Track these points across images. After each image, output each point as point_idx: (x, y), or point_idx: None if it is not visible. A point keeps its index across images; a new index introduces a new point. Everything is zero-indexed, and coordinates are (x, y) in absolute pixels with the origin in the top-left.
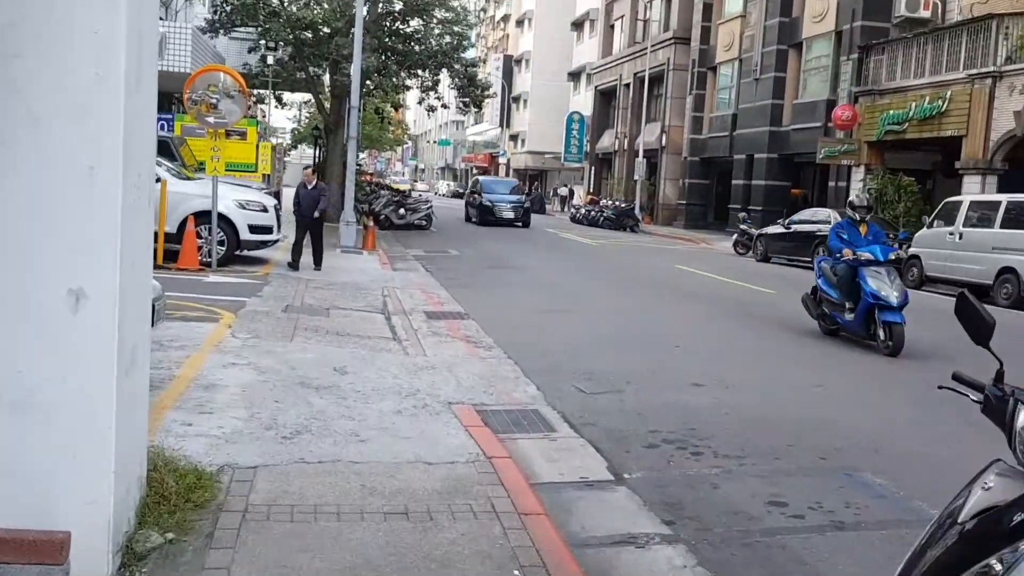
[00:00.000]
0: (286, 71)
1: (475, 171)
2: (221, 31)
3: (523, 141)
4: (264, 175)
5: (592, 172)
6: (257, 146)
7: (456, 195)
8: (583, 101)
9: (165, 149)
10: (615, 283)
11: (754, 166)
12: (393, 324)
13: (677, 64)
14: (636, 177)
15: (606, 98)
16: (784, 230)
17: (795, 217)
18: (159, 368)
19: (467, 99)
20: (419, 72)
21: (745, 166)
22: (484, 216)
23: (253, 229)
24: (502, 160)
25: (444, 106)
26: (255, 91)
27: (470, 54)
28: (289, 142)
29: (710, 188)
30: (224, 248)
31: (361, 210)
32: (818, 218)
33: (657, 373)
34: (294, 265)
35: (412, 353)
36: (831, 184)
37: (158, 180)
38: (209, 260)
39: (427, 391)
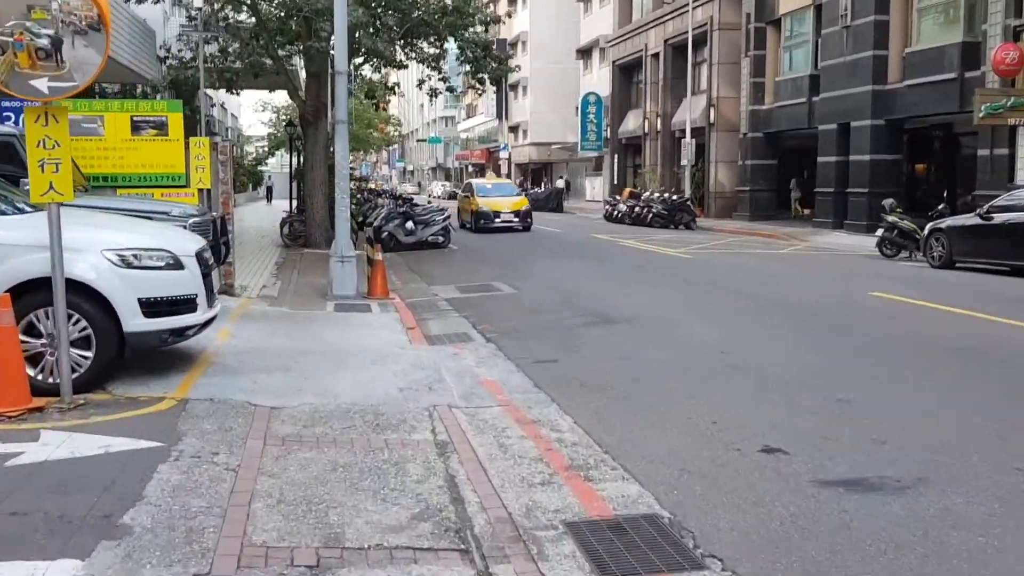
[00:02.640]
0: (249, 55)
1: (471, 169)
2: None
3: (524, 132)
4: (203, 191)
5: (615, 161)
6: (187, 144)
7: (453, 196)
8: (596, 80)
9: (10, 154)
10: (836, 347)
11: (851, 137)
12: None
13: (724, 23)
14: (684, 162)
15: (627, 74)
16: (981, 221)
17: (997, 202)
18: None
19: (482, 76)
20: (418, 43)
21: (837, 138)
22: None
23: (153, 307)
24: (503, 154)
25: (450, 89)
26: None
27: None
28: (265, 149)
29: (775, 169)
30: (91, 357)
31: (353, 227)
32: None
33: None
34: None
35: None
36: (982, 153)
37: None
38: (56, 384)
39: None
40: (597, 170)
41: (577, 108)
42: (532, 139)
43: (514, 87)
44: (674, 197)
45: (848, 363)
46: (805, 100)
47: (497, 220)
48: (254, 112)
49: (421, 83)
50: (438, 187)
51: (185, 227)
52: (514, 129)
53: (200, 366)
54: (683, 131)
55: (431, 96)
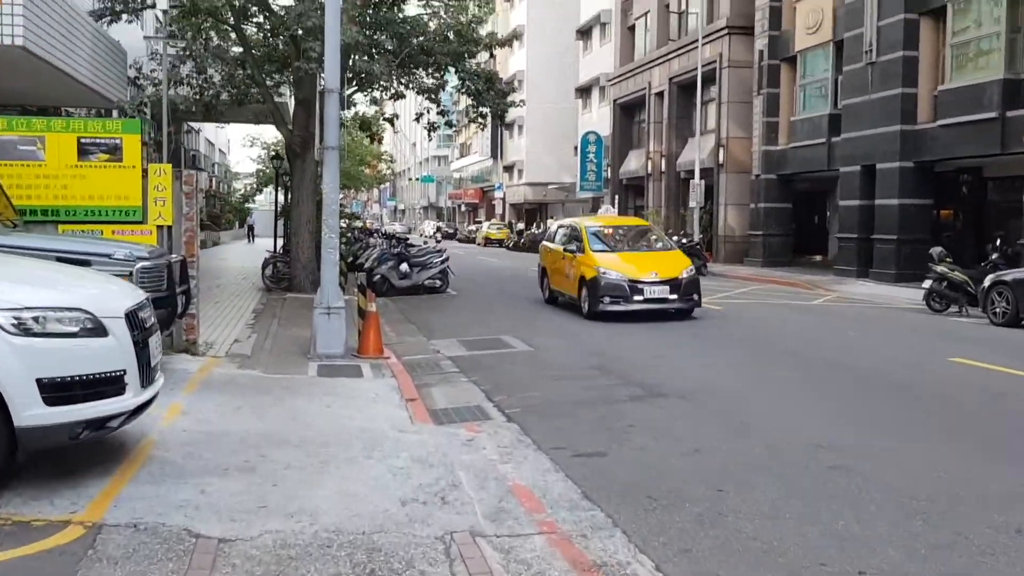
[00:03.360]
0: (235, 86)
1: (463, 208)
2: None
3: (520, 172)
4: (162, 228)
5: (616, 202)
6: (146, 172)
7: (447, 236)
8: (596, 119)
9: None
10: (958, 439)
11: (877, 180)
12: None
13: (734, 60)
14: (693, 204)
15: (628, 113)
16: None
17: None
18: None
19: (486, 109)
20: (416, 72)
21: (860, 181)
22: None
23: (59, 390)
24: (498, 194)
25: (449, 124)
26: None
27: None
28: (254, 186)
29: (789, 213)
30: None
31: (342, 269)
32: None
33: None
34: None
35: None
36: None
37: None
38: None
39: None
40: (594, 211)
41: (576, 148)
42: (528, 179)
43: (510, 126)
44: (683, 240)
45: (986, 463)
46: (824, 140)
47: (638, 298)
48: (242, 147)
49: (419, 116)
50: (429, 226)
51: (131, 274)
52: (509, 168)
53: (132, 464)
54: (689, 172)
55: (429, 131)
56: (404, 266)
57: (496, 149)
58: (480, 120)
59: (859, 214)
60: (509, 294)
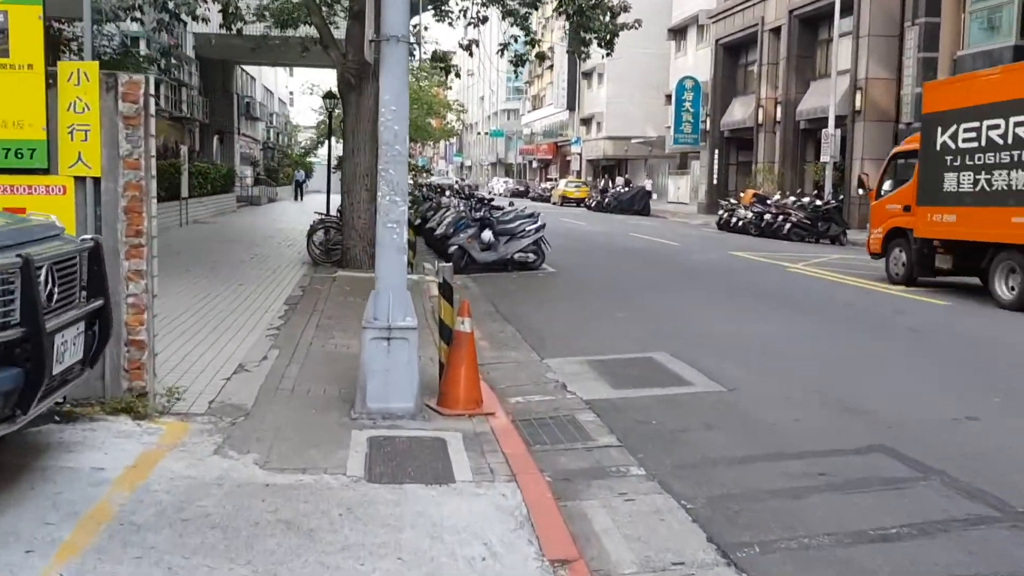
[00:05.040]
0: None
1: (535, 165)
2: None
3: (599, 125)
4: (83, 181)
5: (716, 157)
6: (52, 79)
7: (519, 194)
8: (692, 64)
9: None
10: None
11: None
12: None
13: None
14: (826, 158)
15: (733, 55)
16: None
17: None
18: None
19: (591, 36)
20: None
21: None
22: None
23: None
24: (575, 149)
25: (541, 56)
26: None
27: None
28: (314, 139)
29: None
30: None
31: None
32: None
33: None
34: None
35: None
36: None
37: None
38: None
39: None
40: (681, 168)
41: (667, 97)
42: (607, 132)
43: (588, 75)
44: (816, 202)
45: None
46: None
47: None
48: (301, 95)
49: (503, 48)
50: (499, 183)
51: None
52: (586, 121)
53: None
54: (812, 121)
55: (516, 65)
56: (487, 234)
57: (573, 100)
58: (583, 50)
59: None
60: (621, 272)
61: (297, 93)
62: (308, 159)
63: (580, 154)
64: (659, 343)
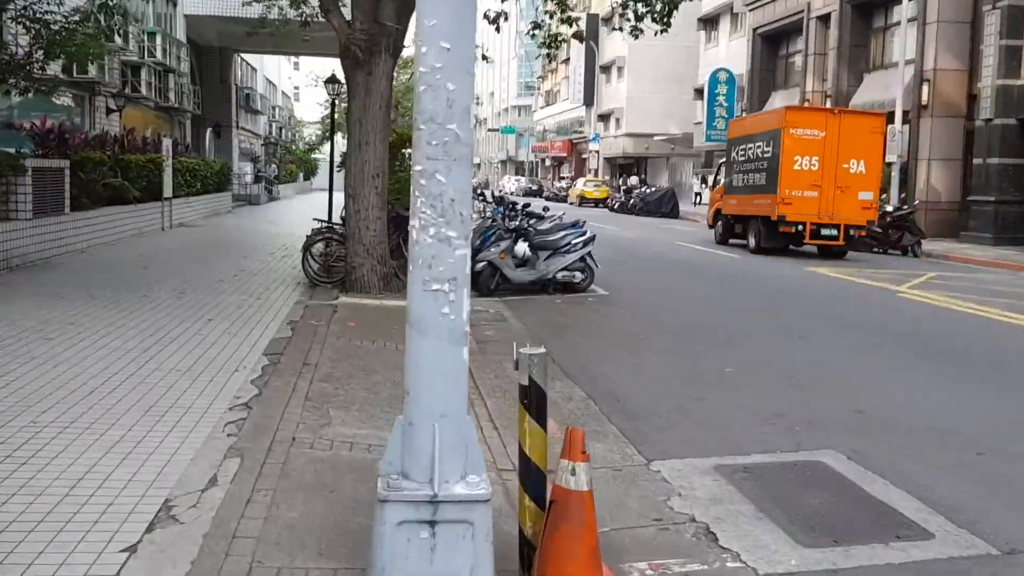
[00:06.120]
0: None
1: (548, 163)
2: None
3: (617, 121)
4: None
5: None
6: None
7: (532, 193)
8: (724, 56)
9: None
10: None
11: None
12: None
13: None
14: (892, 158)
15: (772, 45)
16: None
17: None
18: None
19: (642, 11)
20: None
21: None
22: None
23: None
24: (593, 146)
25: (579, 36)
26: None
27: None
28: (319, 134)
29: None
30: None
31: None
32: None
33: None
34: None
35: None
36: None
37: None
38: None
39: None
40: (707, 166)
41: (699, 90)
42: (627, 129)
43: (606, 69)
44: (886, 207)
45: None
46: None
47: None
48: (305, 87)
49: (535, 28)
50: (511, 182)
51: None
52: (604, 118)
53: None
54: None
55: (548, 47)
56: (522, 247)
57: (590, 95)
58: (636, 28)
59: None
60: (693, 296)
61: (302, 88)
62: (313, 155)
63: (598, 152)
64: (815, 427)
